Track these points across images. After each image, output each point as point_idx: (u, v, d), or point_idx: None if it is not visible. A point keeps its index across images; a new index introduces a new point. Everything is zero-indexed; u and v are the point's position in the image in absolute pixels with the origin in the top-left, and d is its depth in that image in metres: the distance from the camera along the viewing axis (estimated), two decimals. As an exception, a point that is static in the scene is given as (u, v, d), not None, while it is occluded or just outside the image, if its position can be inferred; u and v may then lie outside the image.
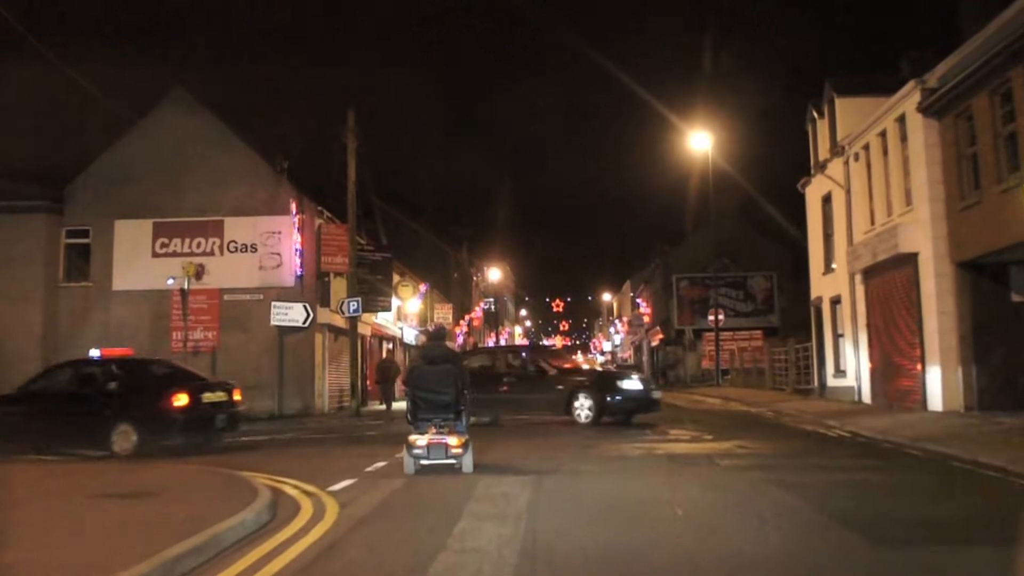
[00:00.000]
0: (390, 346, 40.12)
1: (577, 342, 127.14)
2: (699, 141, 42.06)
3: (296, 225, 27.86)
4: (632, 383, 20.35)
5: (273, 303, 27.34)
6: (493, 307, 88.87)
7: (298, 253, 27.86)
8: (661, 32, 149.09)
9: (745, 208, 66.84)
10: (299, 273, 27.87)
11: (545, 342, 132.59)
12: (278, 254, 28.04)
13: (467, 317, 62.97)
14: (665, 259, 62.54)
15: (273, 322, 27.28)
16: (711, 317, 44.65)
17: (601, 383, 20.05)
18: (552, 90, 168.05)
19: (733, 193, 63.12)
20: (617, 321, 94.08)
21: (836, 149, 25.00)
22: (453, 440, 10.57)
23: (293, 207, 27.82)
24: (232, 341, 27.89)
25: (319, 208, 28.55)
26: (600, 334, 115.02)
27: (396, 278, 40.20)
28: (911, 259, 19.90)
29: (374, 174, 30.65)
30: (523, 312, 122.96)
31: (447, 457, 10.59)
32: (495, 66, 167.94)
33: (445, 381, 10.83)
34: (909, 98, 20.26)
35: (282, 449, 16.81)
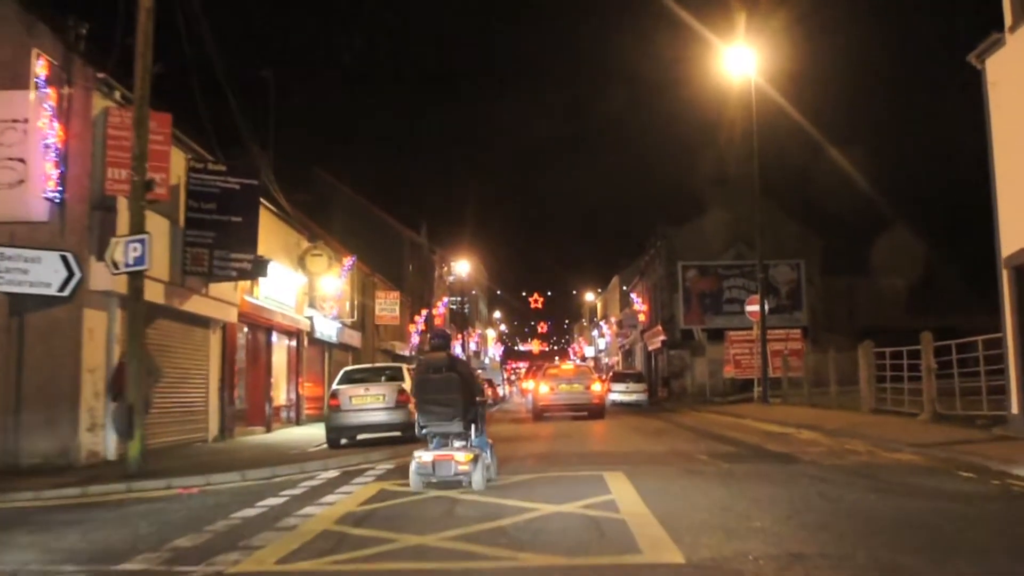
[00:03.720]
0: (272, 345, 26.54)
1: (556, 347, 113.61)
2: (736, 63, 29.15)
3: (51, 105, 14.38)
4: None
5: (-4, 250, 13.83)
6: (464, 307, 75.58)
7: (56, 158, 14.38)
8: None
9: (770, 180, 54.04)
10: (57, 196, 14.40)
11: (520, 347, 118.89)
12: (20, 161, 14.50)
13: (424, 312, 49.56)
14: (668, 243, 49.35)
15: (-3, 286, 13.81)
16: (751, 308, 31.52)
17: None
18: (528, 26, 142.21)
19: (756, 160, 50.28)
20: (602, 323, 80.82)
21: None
22: (461, 456, 9.60)
23: (42, 69, 14.32)
24: (-72, 323, 14.35)
25: (99, 75, 14.99)
26: (581, 338, 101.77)
27: (304, 244, 26.85)
28: None
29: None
30: (497, 314, 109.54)
31: (454, 474, 9.60)
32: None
33: (451, 390, 9.77)
34: None
35: None
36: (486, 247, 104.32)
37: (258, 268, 20.64)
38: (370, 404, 18.19)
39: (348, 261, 29.55)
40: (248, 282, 21.02)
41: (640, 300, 56.41)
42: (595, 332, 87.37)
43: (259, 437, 21.33)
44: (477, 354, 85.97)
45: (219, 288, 18.77)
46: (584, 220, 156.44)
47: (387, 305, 38.87)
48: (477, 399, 10.26)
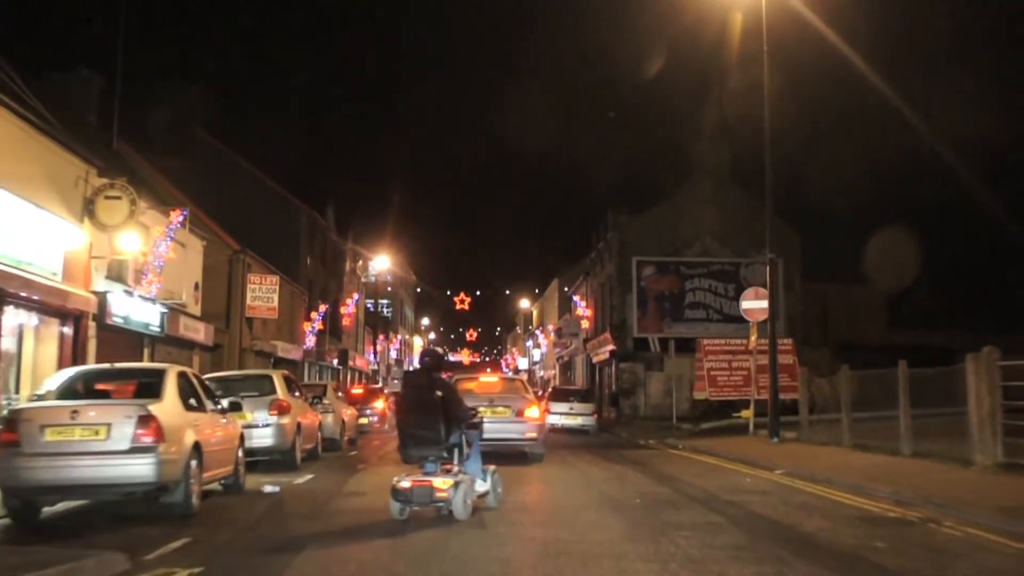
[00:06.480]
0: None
1: (487, 357, 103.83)
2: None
3: None
4: None
5: None
6: (380, 308, 66.04)
7: None
8: None
9: (747, 165, 45.69)
10: None
11: (451, 357, 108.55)
12: None
13: (324, 308, 39.85)
14: (621, 235, 40.43)
15: None
16: (750, 304, 22.57)
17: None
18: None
19: (731, 138, 41.76)
20: (538, 331, 71.66)
21: None
22: (439, 482, 8.88)
23: None
24: None
25: None
26: (514, 348, 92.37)
27: (94, 182, 17.30)
28: None
29: None
30: (425, 321, 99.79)
31: (432, 501, 8.88)
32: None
33: (432, 413, 9.11)
34: None
35: None
36: (413, 247, 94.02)
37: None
38: (79, 444, 8.77)
39: (177, 216, 19.81)
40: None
41: (584, 304, 47.44)
42: (529, 342, 78.14)
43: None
44: (399, 362, 76.31)
45: None
46: (522, 216, 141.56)
47: (262, 292, 29.15)
48: (464, 422, 9.43)
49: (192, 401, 10.17)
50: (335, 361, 46.61)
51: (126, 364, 12.02)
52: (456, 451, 9.29)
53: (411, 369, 9.30)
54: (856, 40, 20.86)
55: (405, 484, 8.95)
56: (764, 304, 21.24)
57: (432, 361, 9.71)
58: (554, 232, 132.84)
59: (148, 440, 8.80)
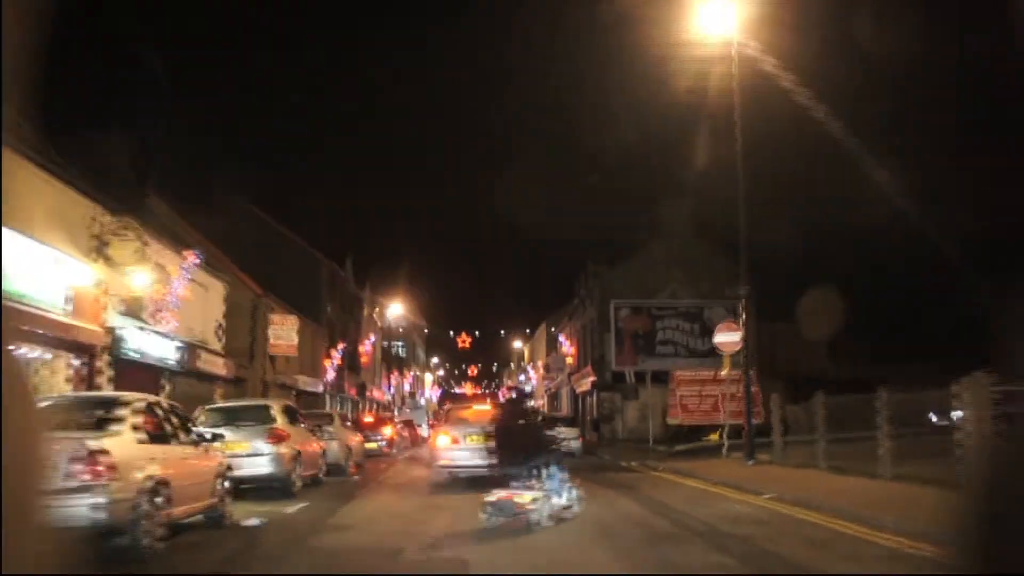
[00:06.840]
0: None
1: (486, 390, 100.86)
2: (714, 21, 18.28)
3: None
4: None
5: None
6: (393, 348, 63.47)
7: None
8: None
9: (705, 216, 43.57)
10: None
11: (456, 390, 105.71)
12: None
13: (342, 346, 37.41)
14: (601, 282, 38.23)
15: None
16: (723, 337, 20.18)
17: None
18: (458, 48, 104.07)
19: (695, 198, 39.75)
20: (529, 367, 69.07)
21: None
22: (525, 496, 8.75)
23: None
24: None
25: None
26: (509, 381, 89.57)
27: (104, 221, 15.06)
28: None
29: None
30: (435, 359, 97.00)
31: (515, 514, 8.62)
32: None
33: (518, 438, 9.58)
34: None
35: None
36: (423, 295, 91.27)
37: None
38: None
39: (191, 258, 17.55)
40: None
41: (568, 342, 45.05)
42: (522, 377, 75.48)
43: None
44: (412, 395, 73.49)
45: None
46: (516, 269, 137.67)
47: (283, 332, 26.83)
48: (546, 446, 9.71)
49: (160, 433, 7.84)
50: (354, 393, 44.11)
51: (86, 393, 9.69)
52: (538, 470, 9.22)
53: (504, 401, 9.00)
54: (825, 99, 18.77)
55: (492, 498, 8.79)
56: (737, 336, 18.99)
57: (519, 397, 10.34)
58: (543, 282, 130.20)
59: (92, 478, 6.46)
